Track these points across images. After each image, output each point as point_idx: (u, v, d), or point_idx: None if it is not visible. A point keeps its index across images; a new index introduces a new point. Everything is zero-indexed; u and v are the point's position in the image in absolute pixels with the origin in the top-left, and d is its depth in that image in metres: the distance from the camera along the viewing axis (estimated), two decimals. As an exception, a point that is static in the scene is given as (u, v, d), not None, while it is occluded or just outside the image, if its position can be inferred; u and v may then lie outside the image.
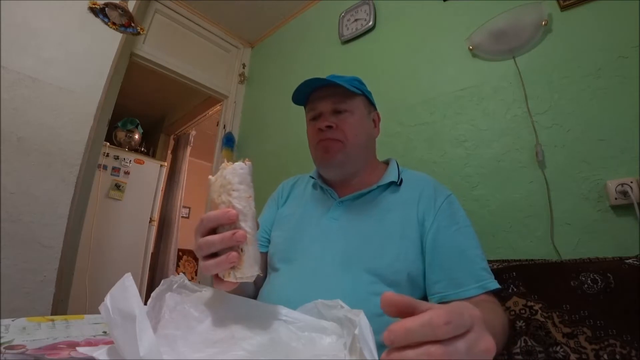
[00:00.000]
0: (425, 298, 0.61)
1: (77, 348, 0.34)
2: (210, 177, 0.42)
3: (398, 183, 0.70)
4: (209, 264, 0.38)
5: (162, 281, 0.40)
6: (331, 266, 0.61)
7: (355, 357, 0.33)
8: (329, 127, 0.68)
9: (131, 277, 0.33)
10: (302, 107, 0.79)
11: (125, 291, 0.31)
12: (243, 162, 0.40)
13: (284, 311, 0.41)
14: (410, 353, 0.22)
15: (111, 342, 0.40)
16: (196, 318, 0.38)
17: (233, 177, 0.39)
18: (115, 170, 2.70)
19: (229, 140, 2.15)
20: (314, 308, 0.41)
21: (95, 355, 0.30)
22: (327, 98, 0.71)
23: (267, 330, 0.37)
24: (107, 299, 0.31)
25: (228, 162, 0.40)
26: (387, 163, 0.80)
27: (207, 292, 0.41)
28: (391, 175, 0.71)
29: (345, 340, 0.36)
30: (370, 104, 0.78)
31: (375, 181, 0.72)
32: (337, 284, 0.58)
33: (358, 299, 0.55)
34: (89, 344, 0.38)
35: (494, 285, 0.56)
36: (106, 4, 1.54)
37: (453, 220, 0.63)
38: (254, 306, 0.42)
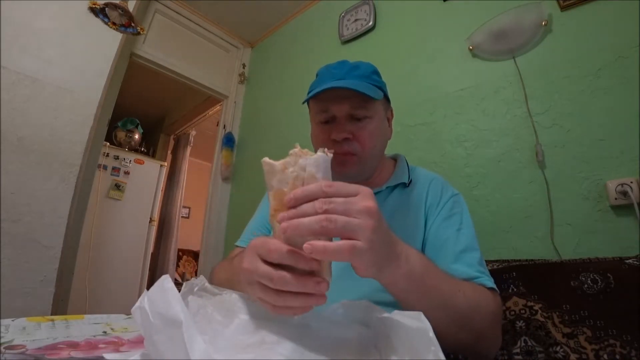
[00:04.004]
0: None
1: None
2: (269, 160, 0.34)
3: (407, 184, 0.68)
4: (280, 303, 0.33)
5: (184, 284, 0.39)
6: (335, 271, 0.60)
7: (385, 357, 0.32)
8: (346, 138, 0.61)
9: (170, 279, 0.31)
10: (302, 106, 0.74)
11: (166, 294, 0.29)
12: (324, 152, 0.34)
13: (310, 314, 0.38)
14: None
15: (115, 343, 0.40)
16: (220, 322, 0.37)
17: (317, 170, 0.33)
18: (115, 170, 2.70)
19: (229, 140, 2.15)
20: (340, 309, 0.40)
21: None
22: (344, 101, 0.61)
23: (297, 333, 0.36)
24: (145, 302, 0.30)
25: (302, 149, 0.34)
26: (394, 159, 0.76)
27: (227, 296, 0.40)
28: (401, 176, 0.69)
29: (375, 341, 0.35)
30: (387, 101, 0.70)
31: (384, 181, 0.69)
32: (341, 289, 0.57)
33: None
34: (89, 344, 0.38)
35: (489, 283, 0.54)
36: (106, 4, 1.54)
37: (455, 220, 0.62)
38: None
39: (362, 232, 0.31)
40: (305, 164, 0.33)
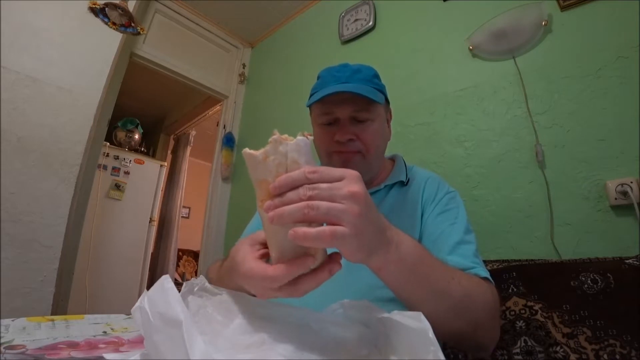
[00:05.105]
0: None
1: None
2: (249, 151, 0.33)
3: (405, 182, 0.69)
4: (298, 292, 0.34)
5: (184, 284, 0.39)
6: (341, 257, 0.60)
7: (385, 357, 0.32)
8: (350, 139, 0.63)
9: (170, 279, 0.31)
10: (302, 106, 0.75)
11: (166, 294, 0.29)
12: (303, 135, 0.33)
13: (310, 314, 0.39)
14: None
15: (115, 343, 0.40)
16: (220, 322, 0.36)
17: (299, 155, 0.32)
18: (115, 170, 2.70)
19: (229, 140, 2.15)
20: (339, 308, 0.39)
21: None
22: (348, 103, 0.63)
23: (297, 333, 0.36)
24: (145, 302, 0.30)
25: (282, 135, 0.33)
26: (392, 159, 0.78)
27: (227, 296, 0.40)
28: (399, 175, 0.70)
29: (375, 341, 0.35)
30: (387, 103, 0.72)
31: (382, 180, 0.70)
32: (341, 288, 0.57)
33: None
34: (89, 344, 0.38)
35: (483, 273, 0.53)
36: (106, 4, 1.54)
37: (450, 214, 0.62)
38: (277, 309, 0.40)
39: (347, 217, 0.31)
40: (286, 150, 0.32)
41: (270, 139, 0.32)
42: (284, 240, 0.33)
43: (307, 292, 0.34)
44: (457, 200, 0.66)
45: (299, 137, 0.33)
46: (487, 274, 0.53)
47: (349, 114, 0.64)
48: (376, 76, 0.69)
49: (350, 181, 0.32)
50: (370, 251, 0.35)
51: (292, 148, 0.32)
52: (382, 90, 0.68)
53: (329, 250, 0.35)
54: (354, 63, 0.69)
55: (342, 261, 0.36)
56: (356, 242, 0.32)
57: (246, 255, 0.37)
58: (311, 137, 0.34)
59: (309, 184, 0.31)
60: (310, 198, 0.31)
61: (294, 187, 0.31)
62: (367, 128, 0.64)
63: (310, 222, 0.31)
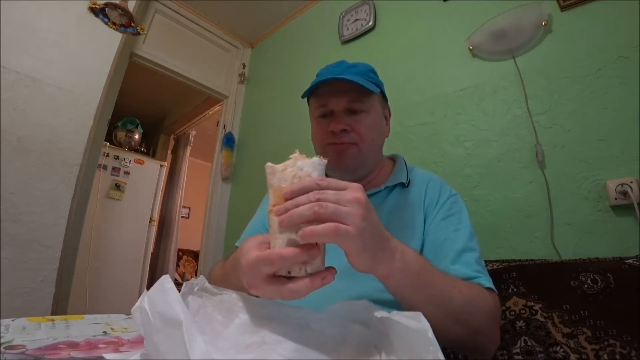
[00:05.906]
0: None
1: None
2: (270, 164, 0.38)
3: (406, 184, 0.69)
4: (293, 294, 0.34)
5: (184, 284, 0.39)
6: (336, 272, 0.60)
7: (385, 357, 0.32)
8: (344, 130, 0.63)
9: (170, 279, 0.31)
10: (302, 106, 0.74)
11: (166, 294, 0.29)
12: (320, 158, 0.38)
13: (310, 314, 0.39)
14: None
15: (115, 343, 0.40)
16: (220, 322, 0.37)
17: (313, 170, 0.37)
18: (115, 170, 2.70)
19: (229, 140, 2.15)
20: (340, 309, 0.39)
21: None
22: (342, 95, 0.64)
23: (297, 333, 0.36)
24: (145, 302, 0.30)
25: (301, 154, 0.38)
26: (392, 159, 0.77)
27: (227, 296, 0.40)
28: (400, 176, 0.70)
29: (375, 341, 0.35)
30: (384, 99, 0.73)
31: (383, 181, 0.70)
32: (340, 288, 0.57)
33: None
34: (89, 344, 0.38)
35: (487, 283, 0.54)
36: (106, 4, 1.54)
37: (453, 220, 0.62)
38: (277, 309, 0.40)
39: (351, 218, 0.33)
40: (302, 165, 0.37)
41: (290, 156, 0.38)
42: (287, 245, 0.35)
43: (296, 297, 0.35)
44: (459, 204, 0.66)
45: (315, 158, 0.38)
46: (490, 284, 0.54)
47: (343, 105, 0.64)
48: (372, 71, 0.70)
49: (353, 190, 0.36)
50: (376, 257, 0.37)
51: (308, 164, 0.37)
52: (377, 84, 0.68)
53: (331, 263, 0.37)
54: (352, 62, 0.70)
55: (343, 269, 0.37)
56: (361, 243, 0.34)
57: (251, 248, 0.38)
58: (325, 161, 0.38)
59: (318, 189, 0.35)
60: (318, 200, 0.34)
61: (305, 192, 0.34)
62: (362, 120, 0.65)
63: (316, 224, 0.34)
